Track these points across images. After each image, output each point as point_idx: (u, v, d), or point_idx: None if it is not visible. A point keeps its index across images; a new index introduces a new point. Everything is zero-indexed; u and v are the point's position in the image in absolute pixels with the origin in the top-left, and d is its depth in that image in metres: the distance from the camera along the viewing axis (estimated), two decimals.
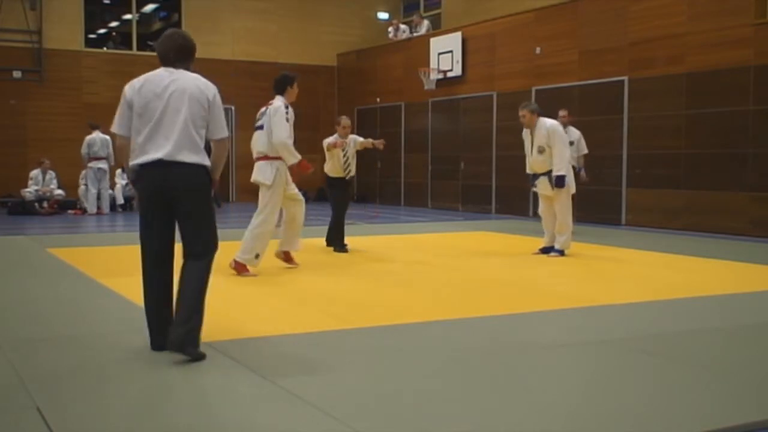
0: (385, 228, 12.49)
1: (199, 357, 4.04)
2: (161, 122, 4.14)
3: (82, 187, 15.31)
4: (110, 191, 15.55)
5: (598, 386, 3.83)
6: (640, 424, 3.23)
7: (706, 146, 11.75)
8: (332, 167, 9.13)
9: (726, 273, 7.65)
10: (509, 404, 3.49)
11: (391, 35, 19.17)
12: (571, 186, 8.98)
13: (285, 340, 4.62)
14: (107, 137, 14.43)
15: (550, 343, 4.66)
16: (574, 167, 9.96)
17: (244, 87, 18.15)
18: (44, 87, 17.67)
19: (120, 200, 15.90)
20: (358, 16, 20.91)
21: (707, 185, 11.73)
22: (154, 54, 4.47)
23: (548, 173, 8.63)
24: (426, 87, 16.92)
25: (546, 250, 8.81)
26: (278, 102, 7.14)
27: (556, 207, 8.71)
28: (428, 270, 7.70)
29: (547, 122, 8.65)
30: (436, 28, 18.51)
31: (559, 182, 8.55)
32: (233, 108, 17.96)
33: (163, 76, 4.23)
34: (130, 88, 4.24)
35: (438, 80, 16.71)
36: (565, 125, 9.91)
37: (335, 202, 9.22)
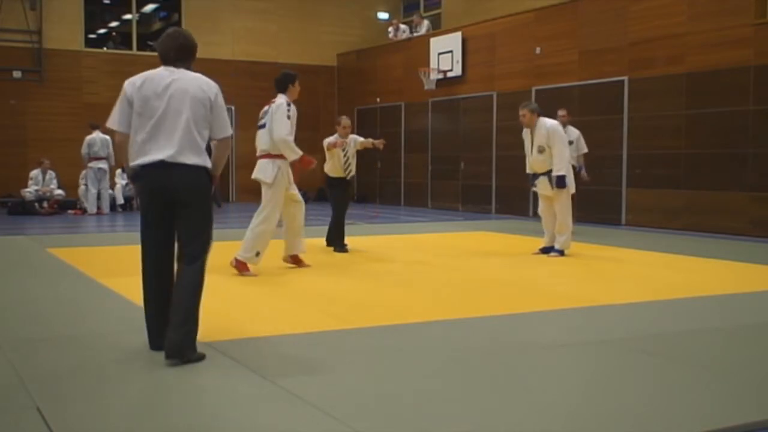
0: (385, 228, 12.49)
1: (198, 359, 4.04)
2: (162, 122, 4.12)
3: (82, 187, 15.32)
4: (110, 191, 15.55)
5: (598, 386, 3.83)
6: (640, 424, 3.23)
7: (706, 146, 11.75)
8: (332, 167, 9.13)
9: (726, 273, 7.65)
10: (509, 404, 3.49)
11: (391, 35, 19.17)
12: (571, 186, 8.98)
13: (285, 340, 4.62)
14: (107, 137, 14.43)
15: (550, 343, 4.66)
16: (574, 167, 9.96)
17: (244, 87, 18.16)
18: (44, 87, 17.68)
19: (120, 200, 15.90)
20: (358, 16, 20.91)
21: (707, 185, 11.73)
22: (155, 54, 4.45)
23: (548, 173, 8.63)
24: (426, 87, 16.91)
25: (546, 250, 8.81)
26: (280, 99, 7.15)
27: (556, 207, 8.71)
28: (428, 270, 7.70)
29: (547, 122, 8.66)
30: (436, 28, 18.51)
31: (559, 182, 8.56)
32: (233, 108, 17.93)
33: (163, 75, 4.20)
34: (131, 85, 4.20)
35: (438, 80, 16.71)
36: (564, 125, 9.90)
37: (335, 202, 9.22)
